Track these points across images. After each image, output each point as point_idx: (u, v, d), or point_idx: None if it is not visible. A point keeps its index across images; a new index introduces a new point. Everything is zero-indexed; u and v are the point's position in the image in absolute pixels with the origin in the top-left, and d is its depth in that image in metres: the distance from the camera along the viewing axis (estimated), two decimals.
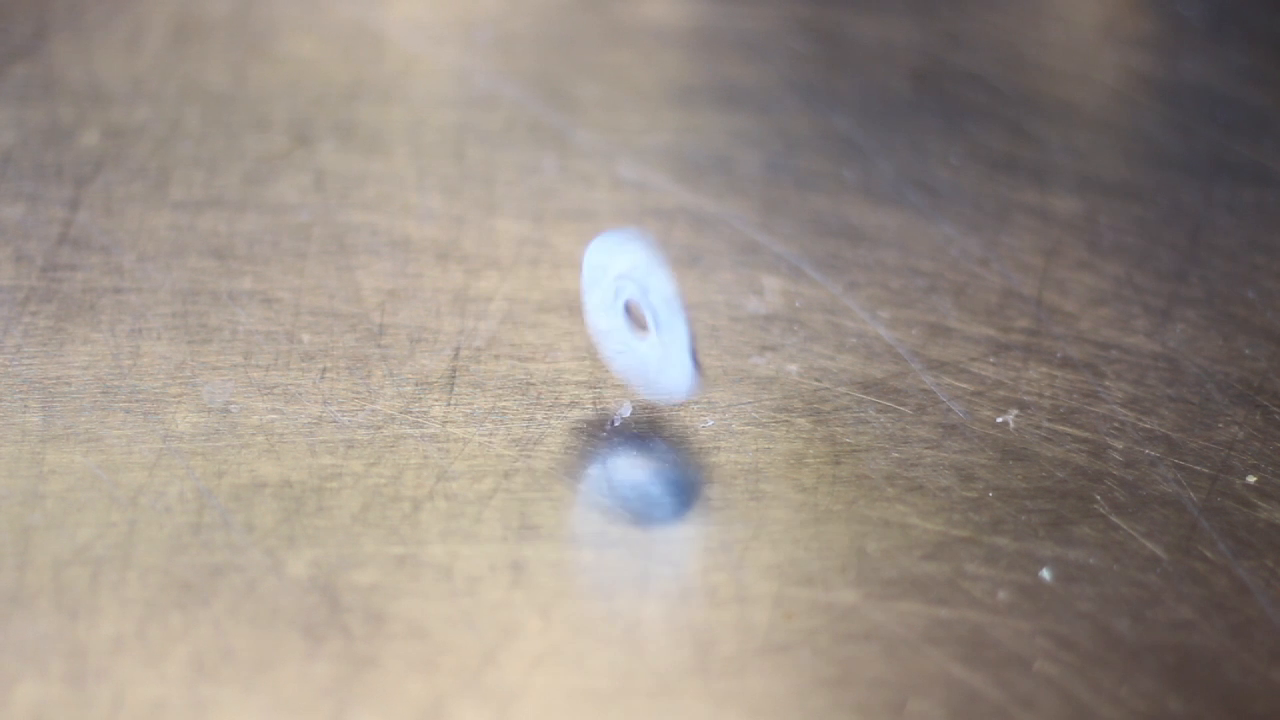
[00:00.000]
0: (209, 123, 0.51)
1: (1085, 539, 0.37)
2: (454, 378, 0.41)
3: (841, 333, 0.43)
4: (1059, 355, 0.43)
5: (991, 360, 0.42)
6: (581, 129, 0.52)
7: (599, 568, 0.36)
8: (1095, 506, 0.38)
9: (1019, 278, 0.46)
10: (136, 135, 0.50)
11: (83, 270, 0.44)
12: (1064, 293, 0.45)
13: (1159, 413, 0.41)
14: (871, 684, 0.34)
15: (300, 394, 0.40)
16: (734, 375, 0.42)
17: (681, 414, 0.40)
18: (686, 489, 0.38)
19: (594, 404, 0.40)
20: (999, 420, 0.40)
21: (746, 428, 0.40)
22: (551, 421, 0.40)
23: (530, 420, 0.40)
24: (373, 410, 0.40)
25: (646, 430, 0.40)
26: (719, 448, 0.39)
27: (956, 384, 0.41)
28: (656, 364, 0.38)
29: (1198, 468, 0.39)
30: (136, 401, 0.40)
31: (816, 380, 0.41)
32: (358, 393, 0.40)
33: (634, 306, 0.39)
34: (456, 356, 0.42)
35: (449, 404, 0.40)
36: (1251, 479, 0.39)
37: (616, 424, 0.40)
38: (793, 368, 0.42)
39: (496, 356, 0.42)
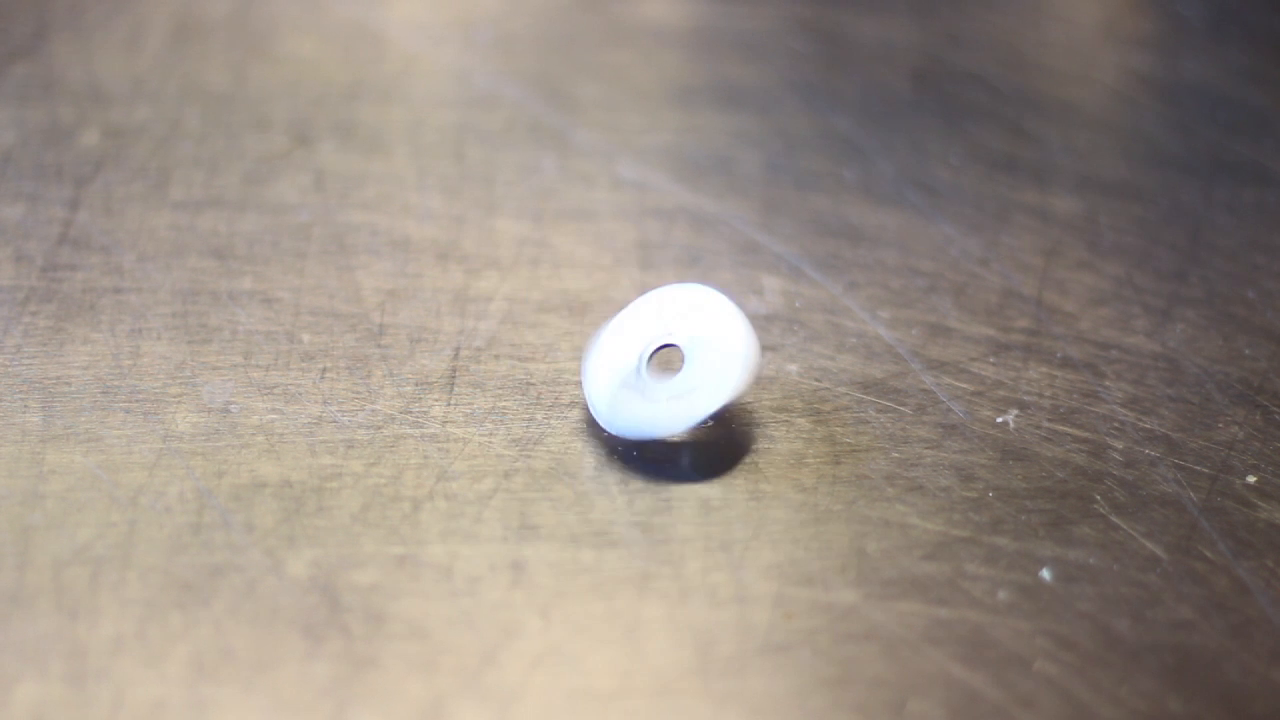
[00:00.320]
0: (209, 123, 0.51)
1: (1085, 539, 0.37)
2: (454, 378, 0.41)
3: (841, 333, 0.43)
4: (1059, 355, 0.43)
5: (991, 360, 0.42)
6: (581, 129, 0.52)
7: (599, 568, 0.36)
8: (1095, 506, 0.38)
9: (1019, 278, 0.46)
10: (136, 135, 0.50)
11: (83, 270, 0.44)
12: (1064, 293, 0.45)
13: (1159, 413, 0.41)
14: (871, 684, 0.34)
15: (300, 394, 0.40)
16: None
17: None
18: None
19: None
20: (999, 420, 0.40)
21: (746, 428, 0.40)
22: (551, 421, 0.40)
23: (530, 420, 0.40)
24: (373, 410, 0.40)
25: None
26: (719, 448, 0.39)
27: (956, 384, 0.41)
28: (648, 417, 0.38)
29: (1198, 468, 0.39)
30: (136, 401, 0.40)
31: (816, 380, 0.41)
32: (358, 393, 0.40)
33: (669, 354, 0.39)
34: (456, 356, 0.42)
35: (449, 404, 0.40)
36: (1251, 479, 0.39)
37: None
38: (793, 368, 0.42)
39: (496, 356, 0.42)
